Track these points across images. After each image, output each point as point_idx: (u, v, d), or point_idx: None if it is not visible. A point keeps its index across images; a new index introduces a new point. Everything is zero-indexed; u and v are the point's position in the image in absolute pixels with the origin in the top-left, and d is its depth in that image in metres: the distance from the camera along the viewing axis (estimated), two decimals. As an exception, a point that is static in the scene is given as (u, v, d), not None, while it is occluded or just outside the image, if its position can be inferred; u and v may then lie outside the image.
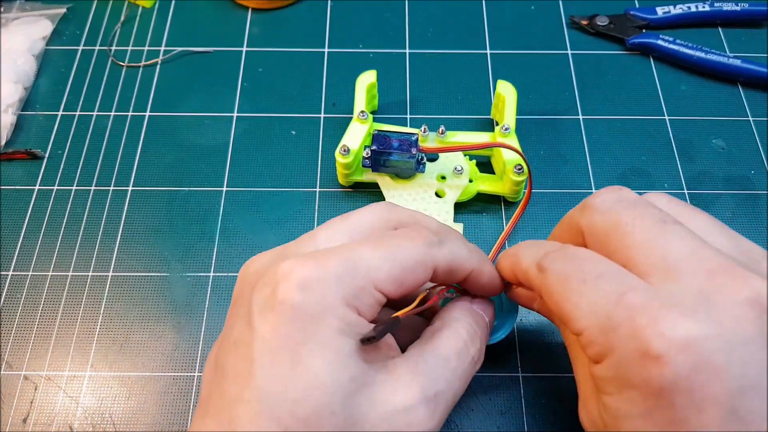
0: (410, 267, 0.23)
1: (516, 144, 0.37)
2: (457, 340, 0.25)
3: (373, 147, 0.35)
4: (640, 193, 0.39)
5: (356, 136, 0.37)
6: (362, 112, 0.37)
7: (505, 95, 0.38)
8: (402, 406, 0.22)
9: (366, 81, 0.39)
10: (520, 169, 0.36)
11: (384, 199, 0.37)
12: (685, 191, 0.39)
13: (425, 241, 0.24)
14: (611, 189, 0.25)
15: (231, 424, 0.21)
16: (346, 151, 0.36)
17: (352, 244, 0.23)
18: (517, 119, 0.38)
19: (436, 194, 0.37)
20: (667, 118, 0.42)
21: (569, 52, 0.45)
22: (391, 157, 0.35)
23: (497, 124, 0.38)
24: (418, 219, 0.26)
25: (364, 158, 0.37)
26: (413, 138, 0.35)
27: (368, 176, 0.38)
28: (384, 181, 0.37)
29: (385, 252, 0.23)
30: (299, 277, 0.22)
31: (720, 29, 0.46)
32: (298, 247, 0.25)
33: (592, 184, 0.39)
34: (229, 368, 0.22)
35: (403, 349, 0.25)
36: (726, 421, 0.19)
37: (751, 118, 0.42)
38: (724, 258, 0.21)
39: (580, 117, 0.42)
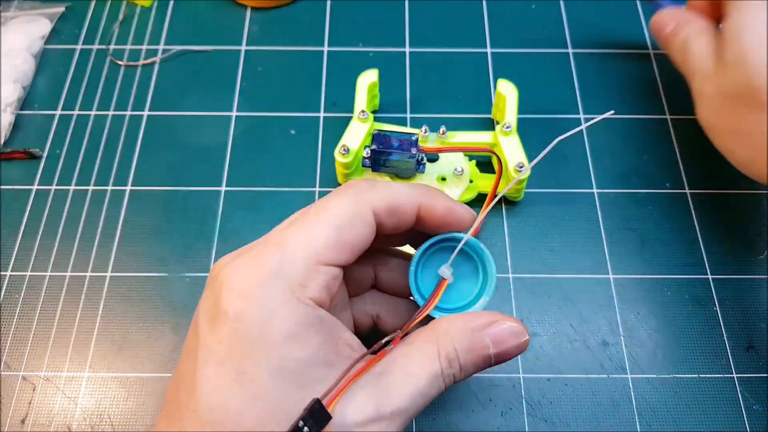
0: (346, 225, 0.22)
1: (518, 142, 0.36)
2: (434, 365, 0.22)
3: (373, 147, 0.35)
4: (640, 193, 0.39)
5: (356, 135, 0.37)
6: (363, 111, 0.37)
7: (506, 95, 0.38)
8: (352, 422, 0.21)
9: (367, 80, 0.39)
10: (521, 168, 0.35)
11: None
12: (687, 191, 0.39)
13: (353, 190, 0.23)
14: None
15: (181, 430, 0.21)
16: (346, 150, 0.36)
17: (281, 231, 0.23)
18: (518, 118, 0.38)
19: (437, 194, 0.37)
20: (668, 117, 0.42)
21: (570, 50, 0.45)
22: (391, 157, 0.35)
23: (498, 124, 0.38)
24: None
25: (364, 158, 0.37)
26: (413, 138, 0.35)
27: (368, 176, 0.37)
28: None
29: (316, 224, 0.22)
30: (239, 284, 0.21)
31: (722, 28, 0.46)
32: (263, 243, 0.23)
33: (593, 183, 0.39)
34: (181, 375, 0.22)
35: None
36: None
37: (753, 117, 0.42)
38: None
39: (581, 116, 0.42)
